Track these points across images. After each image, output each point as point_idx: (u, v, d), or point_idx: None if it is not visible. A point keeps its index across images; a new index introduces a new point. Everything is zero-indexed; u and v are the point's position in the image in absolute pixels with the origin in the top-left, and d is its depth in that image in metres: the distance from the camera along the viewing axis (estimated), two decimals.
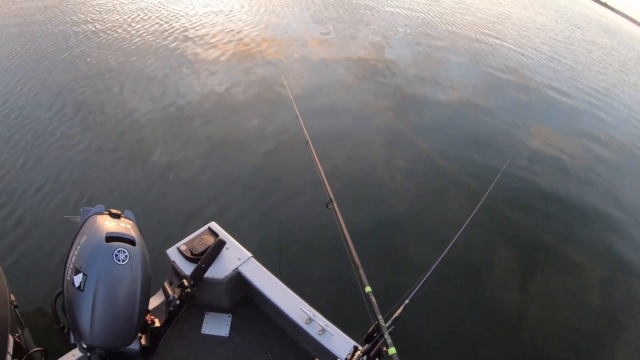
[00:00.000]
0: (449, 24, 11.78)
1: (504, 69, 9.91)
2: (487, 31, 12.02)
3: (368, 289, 2.07)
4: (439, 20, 12.18)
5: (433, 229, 4.79)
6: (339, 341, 2.10)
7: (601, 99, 10.75)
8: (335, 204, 2.45)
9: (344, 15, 11.81)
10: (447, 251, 2.35)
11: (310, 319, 2.16)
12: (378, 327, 1.88)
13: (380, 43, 9.99)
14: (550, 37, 15.94)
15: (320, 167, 2.78)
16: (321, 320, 2.16)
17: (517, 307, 4.29)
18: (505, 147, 6.55)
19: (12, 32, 9.14)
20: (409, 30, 11.01)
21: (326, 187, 2.59)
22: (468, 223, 2.58)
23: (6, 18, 10.05)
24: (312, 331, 2.14)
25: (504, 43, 11.89)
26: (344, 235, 2.32)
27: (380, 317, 1.95)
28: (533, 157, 6.63)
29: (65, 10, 10.62)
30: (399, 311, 1.98)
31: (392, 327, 1.90)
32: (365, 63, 8.77)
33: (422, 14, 12.31)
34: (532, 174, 6.16)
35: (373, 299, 2.02)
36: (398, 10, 12.40)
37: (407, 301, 2.02)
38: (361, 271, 2.17)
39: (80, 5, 11.09)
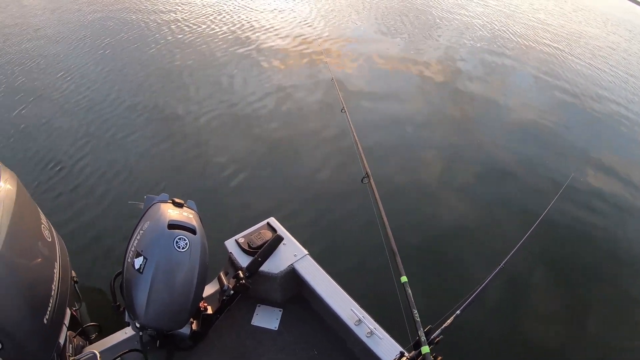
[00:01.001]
0: (519, 38, 11.48)
1: (574, 88, 9.59)
2: (559, 48, 11.68)
3: (404, 278, 2.06)
4: (509, 33, 11.91)
5: (486, 242, 4.64)
6: (385, 345, 2.10)
7: None
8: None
9: (412, 22, 11.73)
10: (503, 265, 2.31)
11: (359, 320, 2.18)
12: (427, 335, 1.89)
13: (446, 53, 9.84)
14: (624, 57, 15.39)
15: (366, 165, 2.81)
16: (370, 323, 2.17)
17: (561, 342, 4.04)
18: (566, 168, 6.30)
19: (99, 25, 9.70)
20: (477, 42, 10.82)
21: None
22: (524, 241, 2.55)
23: (95, 12, 10.56)
24: (361, 333, 2.16)
25: (576, 61, 11.55)
26: (383, 222, 2.35)
27: (415, 311, 1.93)
28: (596, 182, 6.37)
29: (146, 9, 11.05)
30: (449, 321, 1.95)
31: (441, 336, 1.88)
32: (428, 72, 8.68)
33: (494, 26, 12.07)
34: (593, 199, 5.92)
35: (409, 291, 2.02)
36: (468, 21, 12.20)
37: (457, 312, 2.00)
38: (397, 258, 2.17)
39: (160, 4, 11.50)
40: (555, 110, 8.04)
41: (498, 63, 9.60)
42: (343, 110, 3.36)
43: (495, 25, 12.10)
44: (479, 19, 12.50)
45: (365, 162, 2.74)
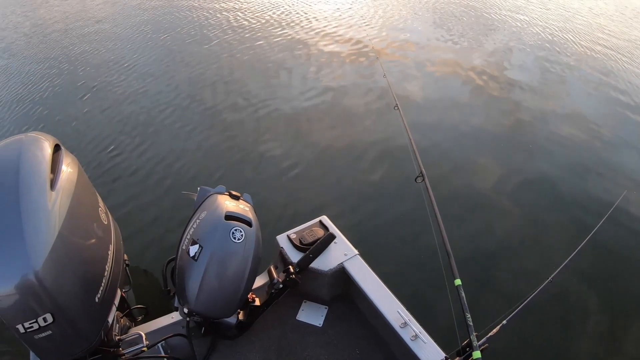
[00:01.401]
0: (578, 45, 11.07)
1: (634, 102, 9.27)
2: (620, 56, 11.24)
3: (457, 281, 2.03)
4: (568, 39, 11.52)
5: (535, 255, 4.54)
6: (429, 350, 2.07)
7: None
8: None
9: (469, 25, 11.54)
10: (551, 279, 2.25)
11: (405, 323, 2.15)
12: (471, 343, 1.85)
13: (501, 58, 9.60)
14: None
15: (421, 164, 2.76)
16: (415, 326, 2.14)
17: None
18: (618, 187, 6.01)
19: (159, 19, 10.03)
20: (534, 47, 10.52)
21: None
22: (572, 257, 2.47)
23: (155, 7, 10.91)
24: (405, 336, 2.13)
25: (638, 72, 11.12)
26: (437, 223, 2.31)
27: (468, 315, 1.90)
28: None
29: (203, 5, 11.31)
30: (495, 330, 1.91)
31: (486, 345, 1.85)
32: (483, 77, 8.50)
33: (552, 31, 11.70)
34: None
35: (462, 294, 1.99)
36: (525, 25, 11.89)
37: (504, 322, 1.96)
38: (452, 260, 2.13)
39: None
40: (612, 125, 7.70)
41: (555, 70, 9.30)
42: (396, 108, 3.32)
43: (554, 30, 11.71)
44: (537, 24, 12.14)
45: (420, 160, 2.70)
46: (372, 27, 10.29)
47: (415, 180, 2.63)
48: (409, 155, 2.93)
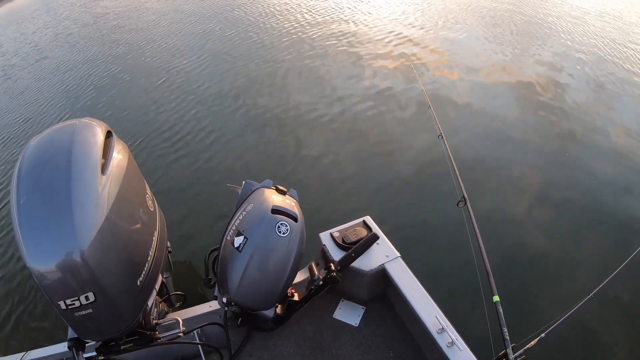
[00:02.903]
0: (634, 59, 10.74)
1: None
2: None
3: (496, 298, 2.01)
4: (624, 53, 11.19)
5: (577, 271, 4.47)
6: (465, 358, 2.04)
7: None
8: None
9: (519, 34, 11.31)
10: (592, 295, 2.22)
11: (442, 328, 2.12)
12: (507, 355, 1.83)
13: (551, 70, 9.37)
14: None
15: (464, 189, 2.74)
16: (452, 333, 2.10)
17: None
18: None
19: (212, 23, 10.28)
20: (587, 60, 10.20)
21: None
22: (614, 276, 2.41)
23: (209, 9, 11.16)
24: (442, 342, 2.10)
25: None
26: (477, 244, 2.27)
27: (505, 329, 1.89)
28: None
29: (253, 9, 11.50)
30: (533, 342, 1.89)
31: (523, 357, 1.83)
32: (531, 90, 8.31)
33: (607, 43, 11.33)
34: None
35: (500, 310, 1.97)
36: (579, 36, 11.55)
37: (543, 335, 1.93)
38: (491, 278, 2.11)
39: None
40: None
41: (608, 86, 9.01)
42: (440, 137, 3.31)
43: (609, 42, 11.34)
44: (592, 35, 11.77)
45: (462, 186, 2.68)
46: (417, 33, 10.25)
47: (457, 204, 2.61)
48: (452, 176, 2.91)
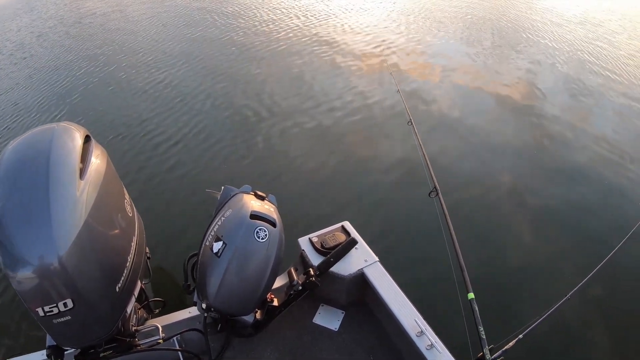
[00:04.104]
0: (612, 68, 10.90)
1: None
2: None
3: (471, 295, 2.04)
4: (602, 61, 11.37)
5: (554, 273, 4.53)
6: (445, 359, 2.08)
7: None
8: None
9: (496, 39, 11.46)
10: (568, 297, 2.27)
11: (421, 331, 2.14)
12: (484, 356, 1.85)
13: (528, 74, 9.52)
14: None
15: (438, 189, 2.77)
16: (432, 336, 2.12)
17: None
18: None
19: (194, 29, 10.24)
20: (565, 66, 10.37)
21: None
22: (590, 278, 2.47)
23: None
24: (421, 345, 2.11)
25: None
26: (450, 236, 2.30)
27: (481, 328, 1.92)
28: None
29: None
30: (511, 343, 1.92)
31: (502, 358, 1.86)
32: (506, 92, 8.42)
33: (586, 50, 11.50)
34: None
35: (476, 308, 1.99)
36: (558, 43, 11.73)
37: (520, 336, 1.96)
38: (465, 274, 2.14)
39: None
40: (638, 151, 7.60)
41: (585, 91, 9.18)
42: (409, 123, 3.34)
43: (588, 50, 11.55)
44: (571, 43, 11.97)
45: (433, 176, 2.72)
46: (392, 41, 10.34)
47: (429, 195, 2.64)
48: (424, 169, 2.95)
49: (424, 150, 2.98)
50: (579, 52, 11.35)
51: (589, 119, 8.15)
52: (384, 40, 10.18)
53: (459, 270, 2.20)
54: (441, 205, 2.53)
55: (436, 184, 2.66)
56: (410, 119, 3.34)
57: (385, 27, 11.21)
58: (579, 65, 10.57)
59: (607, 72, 10.51)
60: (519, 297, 4.15)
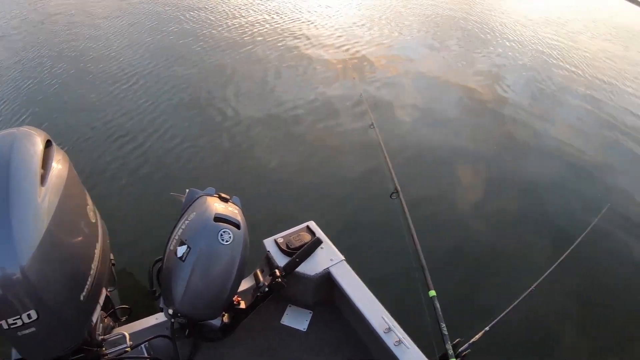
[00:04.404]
0: (574, 67, 11.18)
1: (623, 123, 9.36)
2: (615, 79, 11.35)
3: (432, 293, 2.08)
4: (564, 61, 11.64)
5: (519, 265, 4.65)
6: (413, 355, 2.10)
7: None
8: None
9: (460, 40, 11.64)
10: (533, 288, 2.35)
11: (389, 328, 2.17)
12: (455, 348, 1.89)
13: (490, 74, 9.72)
14: None
15: (399, 190, 2.81)
16: (399, 332, 2.16)
17: None
18: (602, 201, 6.09)
19: (152, 21, 10.15)
20: (528, 66, 10.60)
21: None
22: (554, 268, 2.54)
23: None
24: (389, 341, 2.15)
25: (632, 96, 11.25)
26: (411, 236, 2.34)
27: (443, 324, 1.96)
28: (631, 216, 6.23)
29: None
30: (477, 336, 1.97)
31: (468, 350, 1.90)
32: (466, 93, 8.58)
33: (548, 51, 11.78)
34: (626, 233, 5.79)
35: (437, 305, 2.03)
36: (521, 44, 11.98)
37: (487, 328, 2.01)
38: (426, 273, 2.17)
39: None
40: (600, 143, 7.84)
41: (548, 88, 9.43)
42: (372, 126, 3.40)
43: (550, 50, 11.84)
44: (534, 42, 12.25)
45: (394, 178, 2.76)
46: (357, 41, 10.44)
47: (391, 196, 2.68)
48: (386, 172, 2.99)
49: (385, 152, 3.03)
50: (542, 51, 11.64)
51: (551, 115, 8.39)
52: (349, 40, 10.31)
53: (420, 269, 2.24)
54: (402, 206, 2.57)
55: (397, 185, 2.71)
56: (372, 123, 3.39)
57: (352, 27, 11.34)
58: (542, 63, 10.86)
59: (571, 69, 10.82)
60: (485, 291, 4.25)
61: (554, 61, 11.21)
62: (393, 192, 2.70)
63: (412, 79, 8.76)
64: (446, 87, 8.62)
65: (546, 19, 14.60)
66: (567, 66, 11.08)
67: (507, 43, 11.95)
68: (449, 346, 1.89)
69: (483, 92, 8.65)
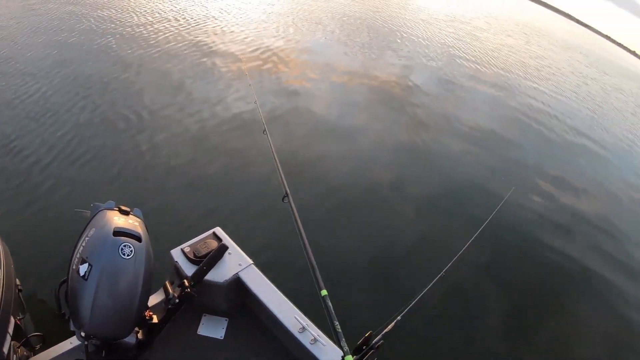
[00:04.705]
0: (479, 60, 11.69)
1: (526, 110, 9.90)
2: (519, 71, 11.94)
3: (324, 292, 2.12)
4: (470, 54, 12.14)
5: (429, 252, 4.86)
6: (329, 352, 2.16)
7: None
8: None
9: (372, 41, 11.92)
10: (443, 273, 2.41)
11: (303, 328, 2.21)
12: (367, 340, 1.95)
13: (403, 71, 10.04)
14: (583, 83, 15.85)
15: (289, 193, 2.88)
16: (313, 330, 2.21)
17: (498, 350, 4.28)
18: (508, 183, 6.46)
19: (54, 28, 9.70)
20: (436, 61, 11.02)
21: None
22: (464, 251, 2.66)
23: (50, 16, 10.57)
24: (305, 340, 2.19)
25: (533, 85, 11.88)
26: (301, 237, 2.42)
27: (336, 322, 2.00)
28: (536, 197, 6.63)
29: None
30: (390, 327, 2.02)
31: (382, 341, 1.93)
32: (378, 93, 8.83)
33: (456, 47, 12.26)
34: (531, 213, 6.19)
35: (329, 303, 2.06)
36: (429, 41, 12.41)
37: (399, 317, 2.06)
38: (317, 273, 2.24)
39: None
40: (506, 129, 8.31)
41: (455, 83, 9.84)
42: (265, 132, 3.46)
43: (458, 46, 12.37)
44: (442, 38, 12.74)
45: (284, 182, 2.82)
46: (257, 46, 10.56)
47: (282, 200, 2.74)
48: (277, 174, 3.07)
49: (276, 157, 3.08)
50: (449, 48, 12.10)
51: (459, 109, 8.75)
52: (251, 45, 10.46)
53: (312, 269, 2.28)
54: (292, 209, 2.63)
55: (286, 188, 2.74)
56: (265, 128, 3.45)
57: (259, 30, 11.54)
58: (449, 60, 11.30)
59: (476, 62, 11.30)
60: (397, 280, 4.40)
61: (461, 54, 11.72)
62: (284, 196, 2.75)
63: (313, 81, 8.92)
64: (354, 87, 8.84)
65: (452, 18, 15.22)
66: (473, 59, 11.62)
67: (414, 39, 12.35)
68: (343, 343, 1.91)
69: (392, 89, 8.94)
